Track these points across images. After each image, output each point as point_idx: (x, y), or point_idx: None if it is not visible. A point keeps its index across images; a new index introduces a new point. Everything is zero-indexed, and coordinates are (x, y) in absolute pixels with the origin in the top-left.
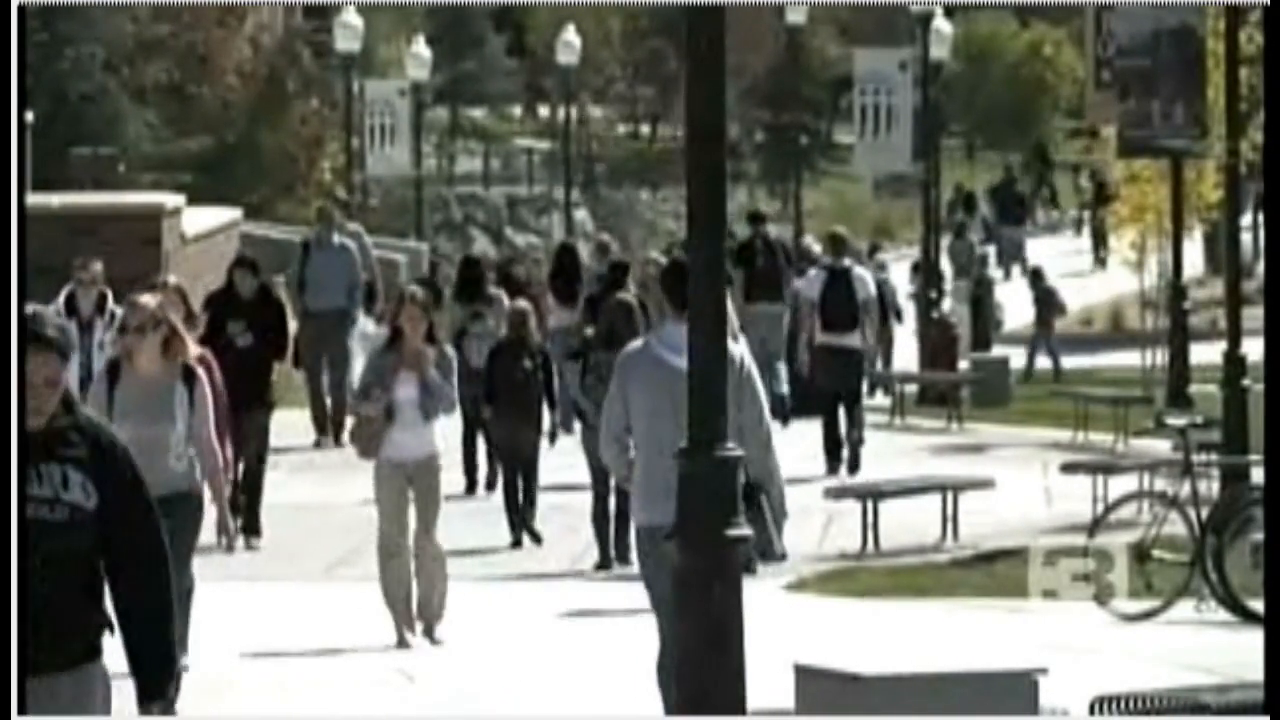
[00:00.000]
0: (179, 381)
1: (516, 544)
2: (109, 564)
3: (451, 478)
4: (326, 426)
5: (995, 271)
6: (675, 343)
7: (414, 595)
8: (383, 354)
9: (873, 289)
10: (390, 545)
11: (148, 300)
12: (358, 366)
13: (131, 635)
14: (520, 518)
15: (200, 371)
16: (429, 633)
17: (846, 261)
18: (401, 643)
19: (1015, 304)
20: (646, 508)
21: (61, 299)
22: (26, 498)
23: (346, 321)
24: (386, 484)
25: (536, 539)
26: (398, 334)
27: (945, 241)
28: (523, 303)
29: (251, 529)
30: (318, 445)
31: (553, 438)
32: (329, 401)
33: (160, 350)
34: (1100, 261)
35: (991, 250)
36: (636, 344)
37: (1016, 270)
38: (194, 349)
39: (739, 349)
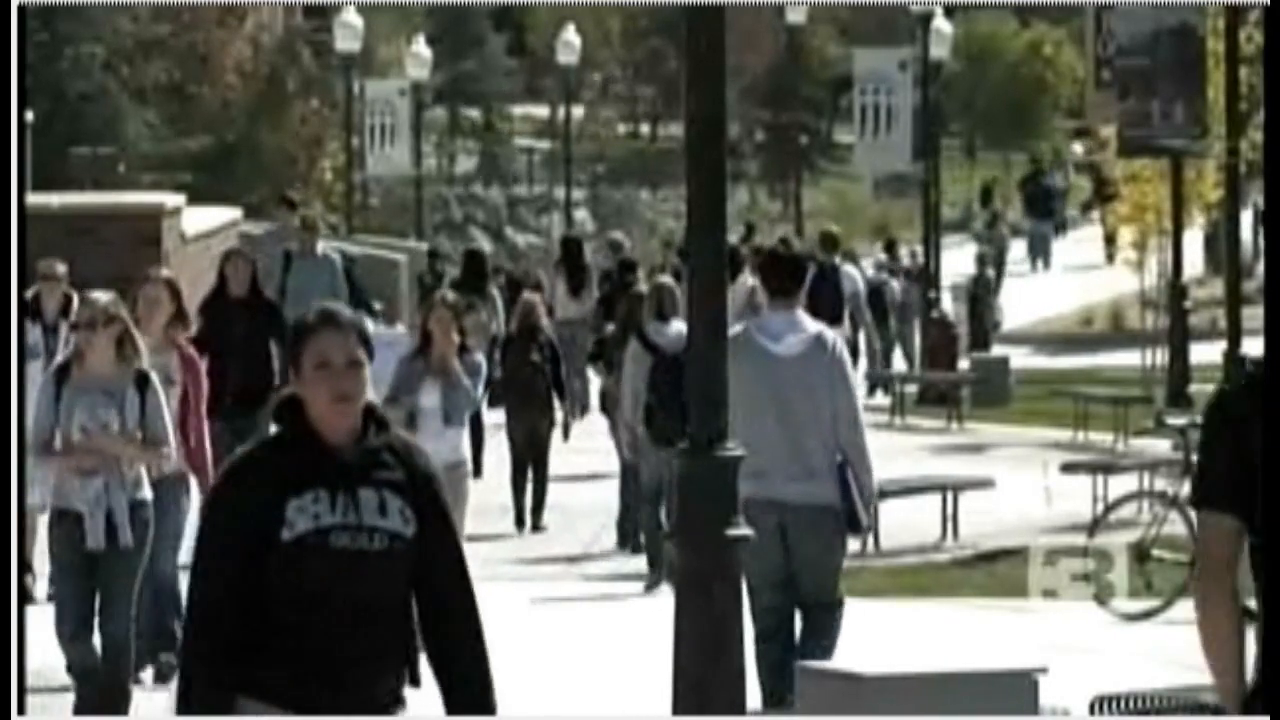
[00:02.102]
0: (131, 385)
1: (520, 524)
2: (421, 605)
3: None
4: None
5: (1024, 264)
6: (775, 330)
7: None
8: (412, 359)
9: (860, 285)
10: None
11: (99, 295)
12: None
13: (453, 691)
14: (532, 504)
15: (154, 377)
16: None
17: (835, 259)
18: None
19: (1031, 299)
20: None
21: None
22: (329, 527)
23: None
24: None
25: (538, 527)
26: (427, 339)
27: (969, 235)
28: (532, 295)
29: None
30: None
31: (566, 429)
32: None
33: (114, 349)
34: (1110, 258)
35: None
36: (737, 329)
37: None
38: (183, 343)
39: (833, 334)
